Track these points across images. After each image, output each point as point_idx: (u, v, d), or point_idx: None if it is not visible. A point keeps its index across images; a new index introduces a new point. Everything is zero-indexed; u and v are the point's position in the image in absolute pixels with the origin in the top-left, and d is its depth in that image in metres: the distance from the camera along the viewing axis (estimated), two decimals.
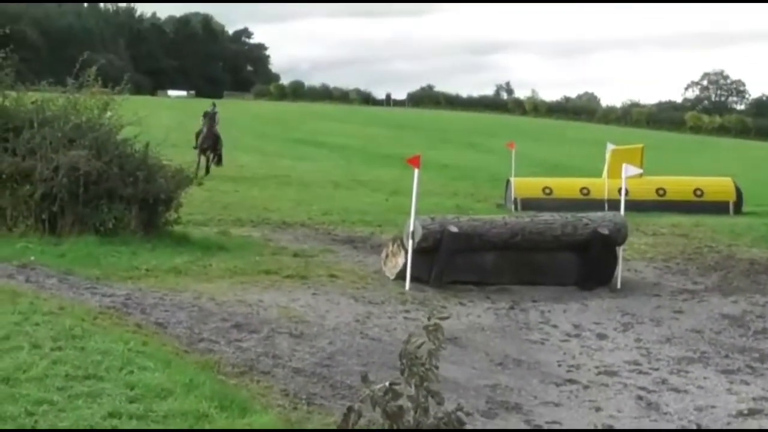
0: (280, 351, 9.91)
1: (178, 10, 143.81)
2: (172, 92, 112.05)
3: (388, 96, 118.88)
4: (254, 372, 9.07)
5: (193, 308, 11.24)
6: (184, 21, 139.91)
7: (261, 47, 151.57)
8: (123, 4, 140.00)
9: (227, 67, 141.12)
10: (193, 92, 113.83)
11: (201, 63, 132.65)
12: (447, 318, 6.61)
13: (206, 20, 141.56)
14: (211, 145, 30.85)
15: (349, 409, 6.29)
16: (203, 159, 30.49)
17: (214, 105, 33.65)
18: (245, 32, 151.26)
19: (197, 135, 31.27)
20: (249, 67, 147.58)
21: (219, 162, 31.40)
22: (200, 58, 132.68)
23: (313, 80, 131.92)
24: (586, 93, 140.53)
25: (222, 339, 10.12)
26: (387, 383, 6.20)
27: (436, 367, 6.22)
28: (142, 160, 15.74)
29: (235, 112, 66.11)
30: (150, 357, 8.23)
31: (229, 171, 31.54)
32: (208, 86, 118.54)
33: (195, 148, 30.84)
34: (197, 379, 7.68)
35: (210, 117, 31.23)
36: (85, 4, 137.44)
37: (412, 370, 6.20)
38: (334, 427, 6.86)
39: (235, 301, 11.89)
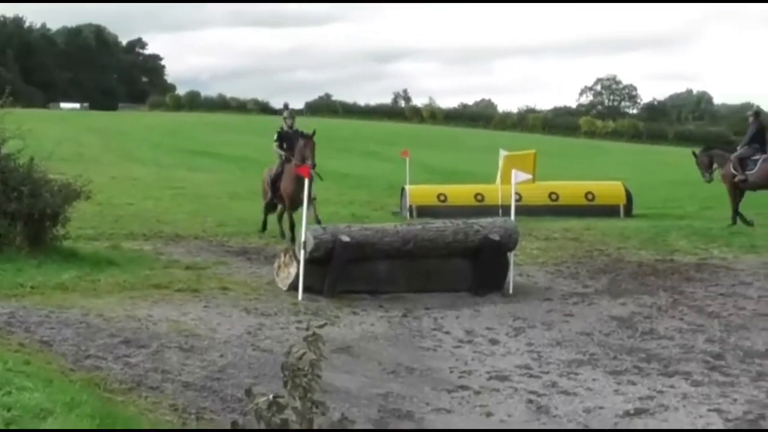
0: (169, 366, 9.79)
1: (70, 20, 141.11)
2: (64, 104, 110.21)
3: (286, 105, 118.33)
4: (142, 388, 8.94)
5: (81, 325, 11.03)
6: (76, 32, 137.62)
7: (156, 58, 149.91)
8: (10, 14, 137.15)
9: (122, 78, 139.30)
10: (86, 104, 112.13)
11: (94, 74, 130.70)
12: (324, 326, 6.62)
13: (99, 31, 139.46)
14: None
15: (233, 424, 6.28)
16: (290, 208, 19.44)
17: (289, 111, 21.09)
18: (139, 43, 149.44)
19: (273, 182, 19.87)
20: (144, 78, 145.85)
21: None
22: (93, 70, 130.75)
23: (213, 90, 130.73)
24: (483, 100, 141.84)
25: (110, 355, 9.95)
26: (271, 396, 6.20)
27: (319, 377, 6.24)
28: (27, 175, 15.41)
29: (130, 124, 65.40)
30: (31, 376, 8.03)
31: (122, 183, 31.12)
32: (102, 98, 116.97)
33: (269, 203, 20.63)
34: (79, 397, 7.53)
35: (306, 141, 18.79)
36: None
37: (294, 382, 6.21)
38: None
39: (124, 316, 11.68)
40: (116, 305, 12.29)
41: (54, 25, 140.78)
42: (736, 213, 22.04)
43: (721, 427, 9.32)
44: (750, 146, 22.17)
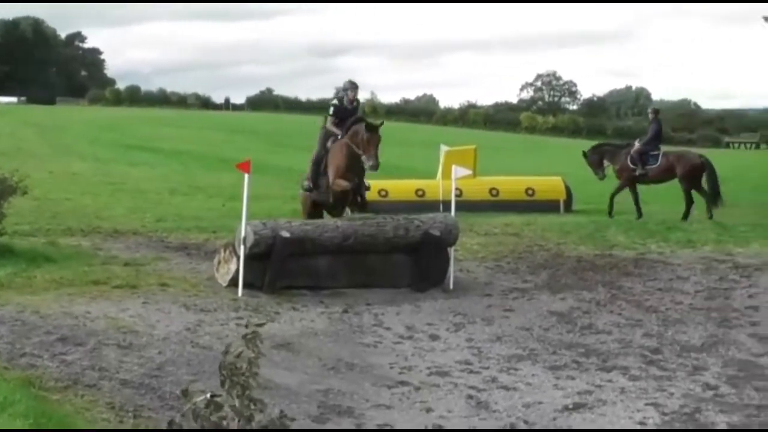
0: (106, 363, 9.68)
1: (7, 12, 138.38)
2: (1, 98, 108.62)
3: (227, 100, 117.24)
4: (79, 386, 8.84)
5: (16, 322, 10.85)
6: (13, 25, 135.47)
7: (96, 51, 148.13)
8: None
9: (60, 72, 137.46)
10: (23, 98, 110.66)
11: (32, 68, 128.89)
12: (263, 325, 6.60)
13: (37, 24, 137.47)
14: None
15: (170, 423, 6.20)
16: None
17: (352, 83, 16.21)
18: (78, 36, 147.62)
19: (317, 164, 16.02)
20: (83, 72, 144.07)
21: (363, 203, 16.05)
22: (32, 63, 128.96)
23: (153, 85, 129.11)
24: (425, 95, 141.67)
25: (46, 353, 9.82)
26: (208, 395, 6.15)
27: (255, 375, 6.21)
28: None
29: (69, 119, 64.78)
30: None
31: (60, 179, 30.72)
32: (40, 92, 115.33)
33: (310, 189, 16.29)
34: (12, 396, 7.41)
35: (371, 134, 15.07)
36: None
37: (232, 381, 6.17)
38: None
39: (61, 313, 11.52)
40: (53, 302, 12.10)
41: None
42: (624, 202, 23.23)
43: (658, 420, 9.44)
44: (650, 144, 23.06)
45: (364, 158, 14.87)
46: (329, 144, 15.68)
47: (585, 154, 24.12)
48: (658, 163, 22.71)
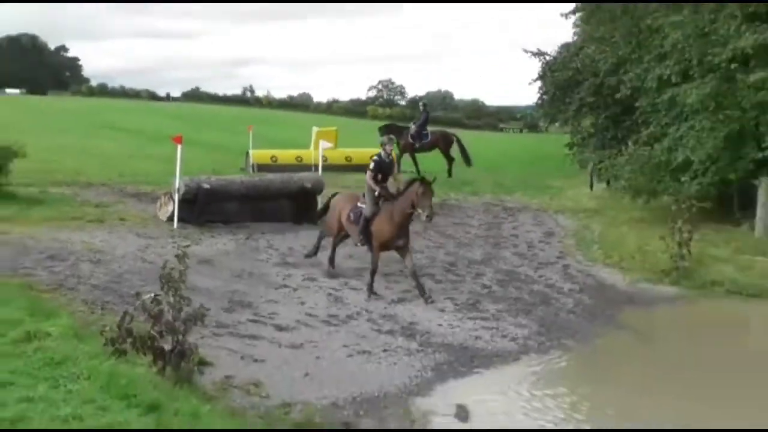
0: (82, 273, 9.47)
1: (11, 30, 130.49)
2: (9, 90, 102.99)
3: (168, 94, 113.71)
4: (62, 288, 8.65)
5: (18, 246, 10.47)
6: (17, 39, 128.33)
7: (75, 59, 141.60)
8: None
9: (50, 72, 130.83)
10: (24, 90, 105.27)
11: (31, 70, 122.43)
12: (188, 246, 6.52)
13: (34, 39, 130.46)
14: None
15: (125, 312, 6.14)
16: None
17: (390, 138, 11.62)
18: (63, 48, 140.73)
19: (367, 223, 11.00)
20: (67, 73, 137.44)
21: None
22: (29, 66, 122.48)
23: (116, 83, 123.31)
24: (304, 93, 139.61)
25: (39, 266, 9.53)
26: (152, 294, 6.13)
27: (183, 282, 6.18)
28: None
29: (57, 106, 61.83)
30: None
31: (50, 148, 29.31)
32: (36, 87, 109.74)
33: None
34: (15, 295, 7.18)
35: (425, 188, 10.37)
36: None
37: (168, 285, 6.15)
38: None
39: (50, 239, 11.16)
40: (44, 232, 11.69)
41: None
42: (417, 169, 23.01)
43: (452, 308, 9.69)
44: (421, 126, 23.60)
45: (419, 211, 10.42)
46: (381, 202, 11.02)
47: (380, 129, 24.52)
48: (429, 139, 23.36)
